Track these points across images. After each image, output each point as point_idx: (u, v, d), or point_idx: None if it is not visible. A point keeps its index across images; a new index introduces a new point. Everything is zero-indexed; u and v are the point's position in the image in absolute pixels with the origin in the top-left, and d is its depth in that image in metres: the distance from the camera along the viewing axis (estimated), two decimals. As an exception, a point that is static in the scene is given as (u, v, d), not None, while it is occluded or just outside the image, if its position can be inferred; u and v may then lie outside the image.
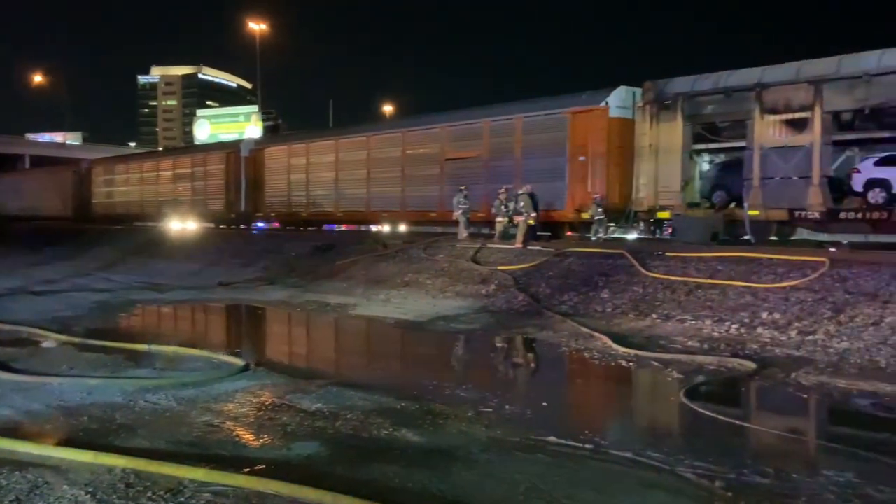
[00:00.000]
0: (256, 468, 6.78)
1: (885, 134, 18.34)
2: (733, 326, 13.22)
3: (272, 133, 58.78)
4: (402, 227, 29.99)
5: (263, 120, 68.34)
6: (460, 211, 23.69)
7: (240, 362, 11.11)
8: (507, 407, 9.19)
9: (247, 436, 7.90)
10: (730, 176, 21.05)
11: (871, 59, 18.19)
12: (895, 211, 17.58)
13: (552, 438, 7.83)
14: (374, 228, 31.92)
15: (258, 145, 37.72)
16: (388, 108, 65.24)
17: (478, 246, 21.53)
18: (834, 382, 10.17)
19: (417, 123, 29.61)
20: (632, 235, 24.17)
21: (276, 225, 36.22)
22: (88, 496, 6.10)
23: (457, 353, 13.77)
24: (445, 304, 17.40)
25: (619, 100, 22.82)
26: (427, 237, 24.92)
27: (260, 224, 37.08)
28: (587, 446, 7.62)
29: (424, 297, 18.40)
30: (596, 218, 22.27)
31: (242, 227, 36.77)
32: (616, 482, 6.79)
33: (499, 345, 14.10)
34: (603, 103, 22.79)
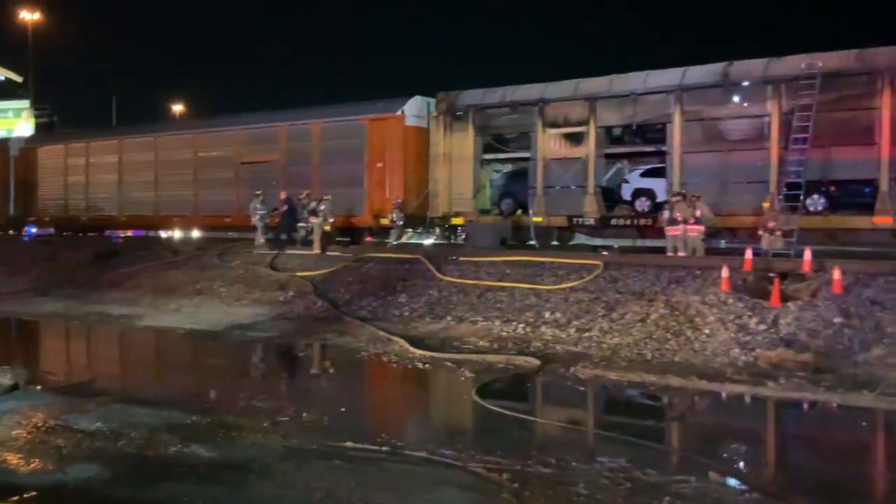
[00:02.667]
0: (27, 496, 6.21)
1: (650, 148, 20.31)
2: (520, 326, 14.02)
3: (46, 131, 53.82)
4: (196, 233, 28.67)
5: (36, 117, 62.33)
6: (258, 216, 23.09)
7: (7, 382, 10.10)
8: (304, 415, 9.12)
9: (15, 461, 7.21)
10: (517, 184, 22.33)
11: (637, 80, 20.07)
12: (659, 218, 19.46)
13: (349, 443, 7.89)
14: (163, 234, 30.23)
15: (30, 143, 34.43)
16: (178, 109, 61.99)
17: (275, 252, 21.11)
18: (607, 375, 11.11)
19: (211, 125, 28.49)
20: (429, 241, 24.84)
21: (52, 231, 33.19)
22: None
23: (253, 362, 13.43)
24: (241, 312, 16.89)
25: (414, 109, 23.40)
26: (222, 243, 24.03)
27: (32, 230, 33.79)
28: (384, 449, 7.76)
29: (219, 306, 17.74)
30: (395, 223, 22.66)
31: (11, 232, 33.33)
32: (411, 482, 6.98)
33: (297, 352, 13.94)
34: (399, 112, 23.25)
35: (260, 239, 22.87)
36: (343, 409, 9.84)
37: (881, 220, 16.60)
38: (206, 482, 6.79)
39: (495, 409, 9.43)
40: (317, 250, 20.71)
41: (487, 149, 22.58)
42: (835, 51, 17.55)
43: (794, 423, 9.65)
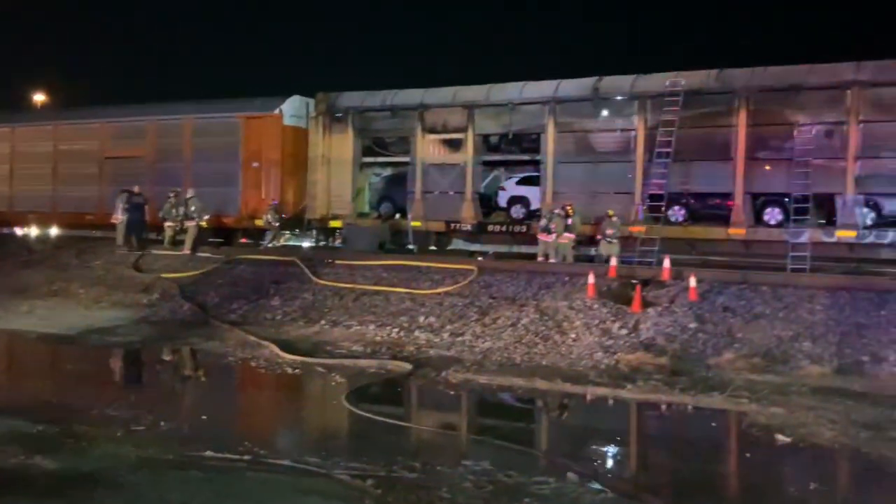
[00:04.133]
0: None
1: (525, 157, 20.80)
2: (395, 330, 13.99)
3: None
4: (54, 231, 26.92)
5: None
6: (120, 215, 21.93)
7: None
8: (162, 424, 8.71)
9: None
10: (396, 188, 22.33)
11: (514, 90, 20.53)
12: (533, 225, 19.95)
13: (209, 453, 7.59)
14: (18, 231, 28.20)
15: None
16: (40, 99, 58.22)
17: (140, 252, 20.13)
18: (477, 379, 11.25)
19: (73, 117, 26.81)
20: (306, 243, 24.41)
21: None
22: None
23: (110, 368, 12.74)
24: (100, 316, 15.97)
25: (292, 108, 22.97)
26: (83, 242, 22.68)
27: None
28: (245, 458, 7.52)
29: (76, 308, 16.71)
30: (272, 225, 22.15)
31: None
32: (271, 491, 6.79)
33: (158, 358, 13.33)
34: (277, 111, 22.75)
35: (121, 238, 21.76)
36: (205, 418, 9.47)
37: (735, 232, 17.68)
38: (51, 496, 6.36)
39: (365, 414, 9.34)
40: (187, 251, 19.92)
41: (367, 152, 22.45)
42: (697, 70, 18.59)
43: (650, 423, 10.09)
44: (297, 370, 11.80)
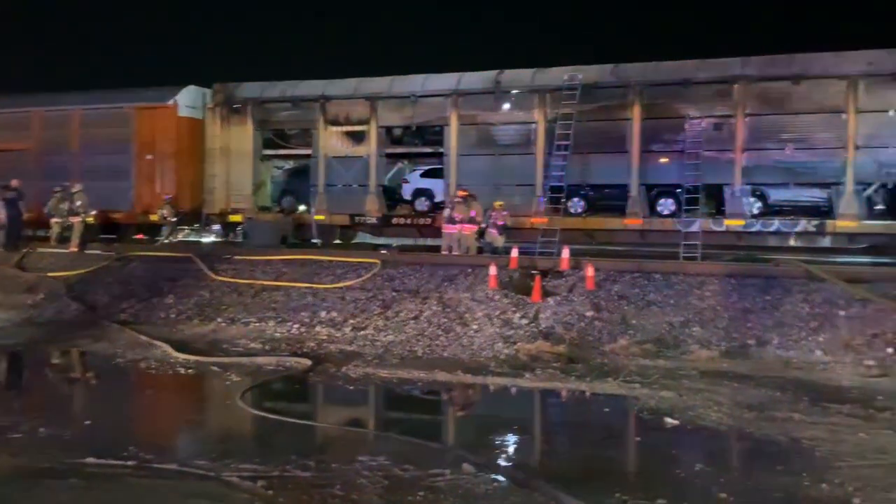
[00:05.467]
0: None
1: (429, 149, 20.84)
2: (295, 326, 13.73)
3: None
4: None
5: None
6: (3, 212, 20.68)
7: None
8: (41, 430, 8.23)
9: None
10: (298, 182, 21.99)
11: (417, 82, 20.52)
12: (438, 217, 20.00)
13: (91, 459, 7.21)
14: None
15: None
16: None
17: (24, 250, 19.04)
18: (378, 373, 11.14)
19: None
20: (206, 239, 23.72)
21: None
22: None
23: (-12, 373, 11.98)
24: (-21, 318, 15.03)
25: (188, 99, 22.26)
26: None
27: None
28: (129, 463, 7.18)
29: (-49, 311, 15.67)
30: (167, 220, 21.40)
31: None
32: (157, 497, 6.51)
33: (42, 361, 12.63)
34: (171, 101, 22.00)
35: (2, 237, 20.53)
36: (88, 423, 9.00)
37: (631, 222, 18.24)
38: None
39: (259, 413, 9.11)
40: (74, 248, 18.98)
41: (267, 144, 22.02)
42: (594, 64, 19.03)
43: (547, 411, 10.24)
44: (190, 370, 11.39)
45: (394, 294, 14.67)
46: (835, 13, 36.61)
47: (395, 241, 21.44)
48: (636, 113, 18.27)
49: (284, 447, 7.89)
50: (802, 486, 6.63)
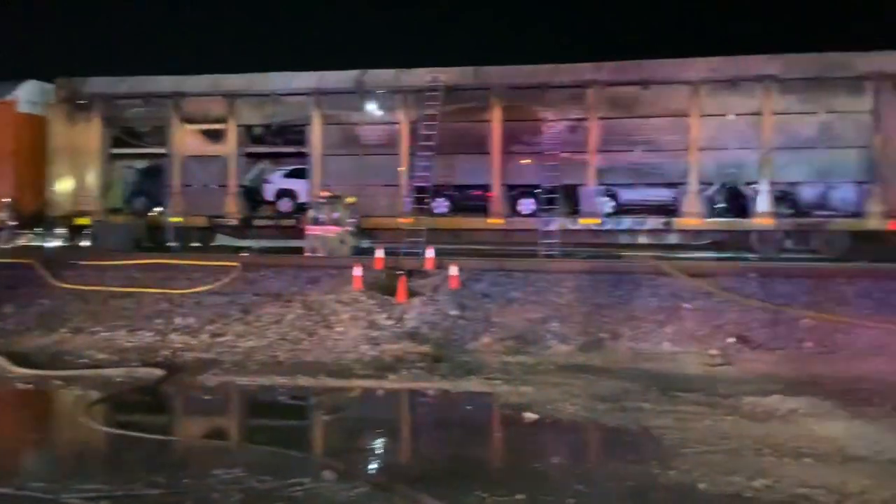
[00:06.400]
0: None
1: (292, 149, 20.38)
2: (148, 334, 13.02)
3: None
4: None
5: None
6: None
7: None
8: None
9: None
10: (151, 182, 20.94)
11: (278, 80, 20.04)
12: (302, 219, 19.61)
13: None
14: None
15: None
16: None
17: None
18: (236, 380, 10.73)
19: None
20: (51, 243, 22.15)
21: None
22: None
23: None
24: None
25: (29, 94, 20.72)
26: None
27: None
28: (-49, 492, 6.53)
29: None
30: (6, 224, 19.81)
31: None
32: (-19, 527, 5.96)
33: None
34: (9, 96, 20.37)
35: None
36: None
37: (494, 222, 18.60)
38: None
39: (106, 429, 8.55)
40: None
41: (117, 143, 20.84)
42: (457, 66, 19.25)
43: (411, 412, 10.23)
44: (30, 385, 10.55)
45: (255, 298, 14.24)
46: (681, 23, 38.87)
47: (256, 244, 20.81)
48: (497, 115, 18.65)
49: (133, 464, 7.44)
50: (652, 473, 6.93)
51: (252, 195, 20.77)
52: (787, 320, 12.54)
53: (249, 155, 20.66)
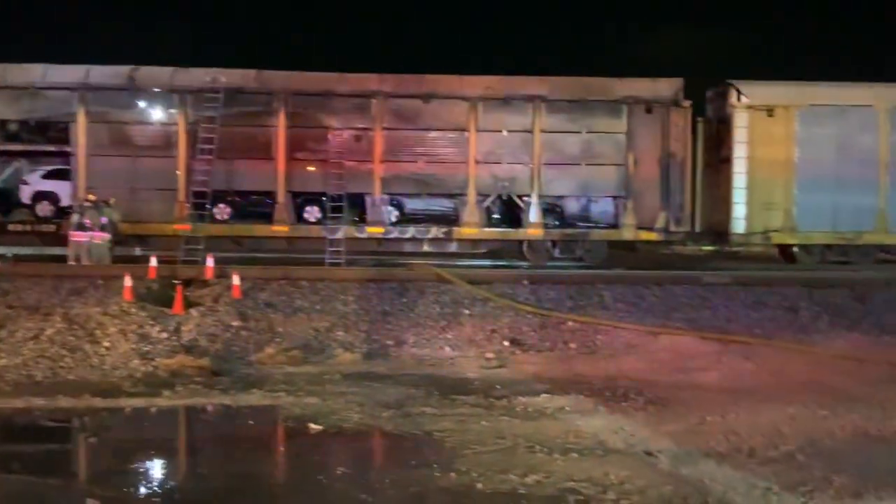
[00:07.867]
0: None
1: (52, 147, 18.67)
2: None
3: None
4: None
5: None
6: None
7: None
8: None
9: None
10: None
11: (36, 72, 18.29)
12: (64, 224, 17.98)
13: None
14: None
15: None
16: None
17: None
18: (-17, 406, 9.61)
19: None
20: None
21: None
22: None
23: None
24: None
25: None
26: None
27: None
28: None
29: None
30: None
31: None
32: None
33: None
34: None
35: None
36: None
37: (278, 229, 18.28)
38: None
39: None
40: None
41: None
42: (238, 68, 18.68)
43: (190, 430, 9.74)
44: None
45: (8, 311, 12.89)
46: (466, 43, 40.53)
47: (11, 251, 18.76)
48: (281, 121, 18.35)
49: None
50: (434, 476, 7.14)
51: (6, 197, 18.75)
52: (554, 324, 13.54)
53: (3, 153, 18.64)
